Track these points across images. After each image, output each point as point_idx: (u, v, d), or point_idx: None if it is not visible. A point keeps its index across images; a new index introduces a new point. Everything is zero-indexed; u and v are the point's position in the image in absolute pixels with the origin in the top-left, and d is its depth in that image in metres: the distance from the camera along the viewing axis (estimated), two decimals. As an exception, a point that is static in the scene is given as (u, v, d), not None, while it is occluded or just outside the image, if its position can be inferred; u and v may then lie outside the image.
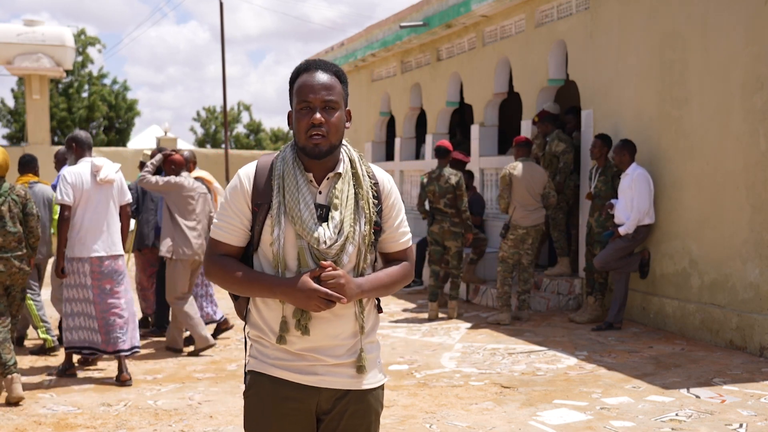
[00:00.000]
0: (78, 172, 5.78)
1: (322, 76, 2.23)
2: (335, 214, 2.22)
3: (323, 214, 2.22)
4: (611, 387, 5.49)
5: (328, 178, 2.26)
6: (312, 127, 2.20)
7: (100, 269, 5.77)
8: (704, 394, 5.25)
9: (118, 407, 5.18)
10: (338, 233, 2.21)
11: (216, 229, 2.30)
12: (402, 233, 2.38)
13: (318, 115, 2.19)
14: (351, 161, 2.31)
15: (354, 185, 2.28)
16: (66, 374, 5.98)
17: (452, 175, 8.06)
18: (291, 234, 2.21)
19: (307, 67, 2.26)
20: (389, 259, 2.39)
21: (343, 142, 2.31)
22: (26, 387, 5.67)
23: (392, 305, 9.19)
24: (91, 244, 5.75)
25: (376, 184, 2.33)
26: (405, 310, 8.89)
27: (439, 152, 8.20)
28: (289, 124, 2.31)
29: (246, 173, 2.29)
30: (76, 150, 6.01)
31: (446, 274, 8.54)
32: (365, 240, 2.26)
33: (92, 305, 5.78)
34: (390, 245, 2.38)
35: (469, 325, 7.94)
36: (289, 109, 2.31)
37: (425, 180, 8.24)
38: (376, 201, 2.31)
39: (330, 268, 2.16)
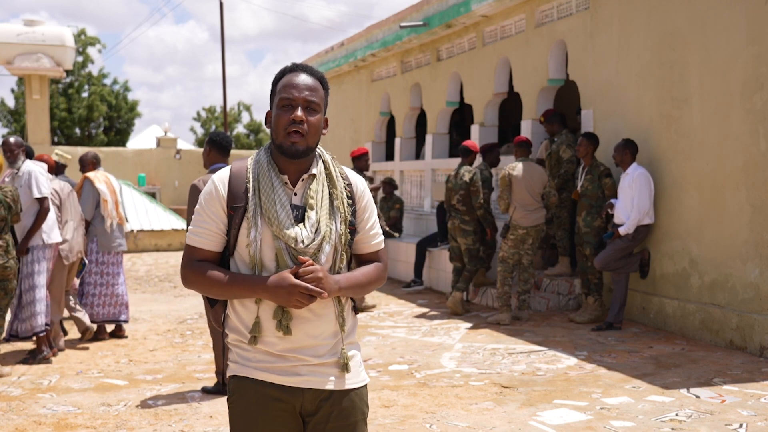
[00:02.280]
0: (44, 171, 6.71)
1: (307, 78, 2.28)
2: (311, 214, 2.25)
3: (299, 215, 2.25)
4: (611, 387, 5.49)
5: (302, 180, 2.29)
6: (292, 124, 2.23)
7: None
8: (704, 394, 5.25)
9: (118, 407, 5.18)
10: (315, 232, 2.24)
11: (192, 235, 2.30)
12: (374, 235, 2.41)
13: (299, 113, 2.23)
14: (324, 163, 2.35)
15: (328, 186, 2.32)
16: (44, 359, 6.50)
17: (467, 173, 8.23)
18: (268, 235, 2.23)
19: (293, 69, 2.31)
20: (362, 261, 2.42)
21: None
22: (26, 387, 5.68)
23: (392, 305, 9.20)
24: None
25: (349, 185, 2.36)
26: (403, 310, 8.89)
27: (462, 151, 8.46)
28: (266, 123, 2.33)
29: (220, 178, 2.30)
30: (26, 153, 6.95)
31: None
32: (342, 239, 2.29)
33: (44, 289, 6.52)
34: (363, 246, 2.40)
35: (469, 325, 7.94)
36: (268, 109, 2.34)
37: (447, 177, 8.54)
38: (350, 201, 2.34)
39: (308, 264, 2.18)
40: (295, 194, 2.28)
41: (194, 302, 9.61)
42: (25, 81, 19.51)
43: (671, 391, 5.36)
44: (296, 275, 2.16)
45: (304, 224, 2.23)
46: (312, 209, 2.25)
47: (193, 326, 8.10)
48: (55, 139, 32.80)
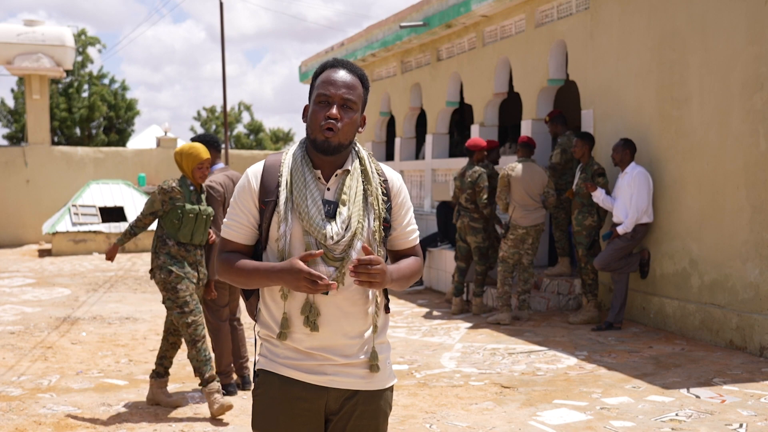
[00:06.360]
0: None
1: (345, 75, 2.26)
2: (343, 210, 2.23)
3: (331, 210, 2.23)
4: (611, 387, 5.49)
5: (336, 175, 2.27)
6: (327, 120, 2.21)
7: None
8: (704, 394, 5.25)
9: (118, 407, 5.18)
10: (345, 229, 2.21)
11: (225, 228, 2.33)
12: (411, 230, 2.40)
13: (334, 110, 2.21)
14: (360, 159, 2.33)
15: (363, 182, 2.29)
16: None
17: (474, 172, 8.23)
18: (298, 230, 2.22)
19: (333, 64, 2.29)
20: (399, 256, 2.40)
21: (354, 141, 2.33)
22: (26, 387, 5.68)
23: (392, 305, 9.18)
24: None
25: (385, 181, 2.34)
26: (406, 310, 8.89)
27: (466, 150, 8.50)
28: (303, 117, 2.32)
29: (254, 172, 2.31)
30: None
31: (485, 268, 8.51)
32: (375, 236, 2.27)
33: None
34: (400, 242, 2.39)
35: (469, 325, 7.94)
36: (306, 103, 2.33)
37: (455, 175, 8.56)
38: (385, 198, 2.32)
39: (368, 252, 2.15)
40: (328, 189, 2.27)
41: (194, 302, 9.61)
42: (25, 81, 19.49)
43: (671, 391, 5.36)
44: (304, 260, 2.14)
45: (335, 220, 2.22)
46: (344, 205, 2.23)
47: (193, 326, 8.09)
48: (55, 139, 32.79)
